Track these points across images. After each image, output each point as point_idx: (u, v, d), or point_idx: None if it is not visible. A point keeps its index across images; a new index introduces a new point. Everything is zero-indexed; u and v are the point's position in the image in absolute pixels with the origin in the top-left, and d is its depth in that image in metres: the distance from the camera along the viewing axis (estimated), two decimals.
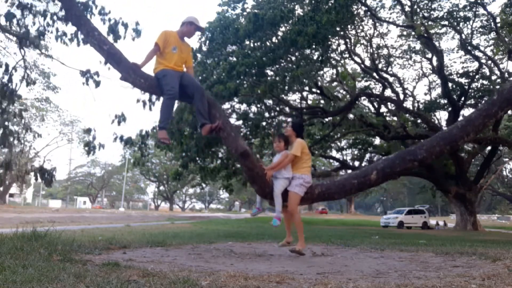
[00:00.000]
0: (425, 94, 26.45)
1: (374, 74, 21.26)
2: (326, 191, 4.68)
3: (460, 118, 22.18)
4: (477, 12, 18.25)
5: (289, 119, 5.48)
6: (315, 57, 15.60)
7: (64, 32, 6.73)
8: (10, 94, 6.99)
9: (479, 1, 17.46)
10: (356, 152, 28.66)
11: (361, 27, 19.44)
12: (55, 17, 6.55)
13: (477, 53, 20.05)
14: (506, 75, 20.20)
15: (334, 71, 20.46)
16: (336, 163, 27.90)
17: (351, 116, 19.96)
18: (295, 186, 4.56)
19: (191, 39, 4.87)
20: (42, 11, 6.65)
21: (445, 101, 22.35)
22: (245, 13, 14.72)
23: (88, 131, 6.78)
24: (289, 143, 4.85)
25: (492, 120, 4.70)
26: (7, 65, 7.06)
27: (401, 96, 22.25)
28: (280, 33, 14.13)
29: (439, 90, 22.87)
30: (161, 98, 4.65)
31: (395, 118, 21.89)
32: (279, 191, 4.55)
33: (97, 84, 6.30)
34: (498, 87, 19.90)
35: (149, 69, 4.75)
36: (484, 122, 4.58)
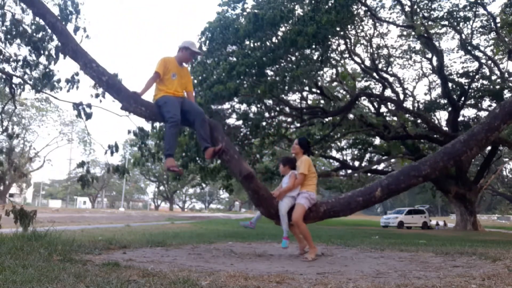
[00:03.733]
0: (425, 94, 26.51)
1: (374, 74, 21.25)
2: (331, 209, 4.67)
3: (460, 118, 22.23)
4: (477, 12, 18.23)
5: (296, 140, 5.26)
6: (315, 57, 15.60)
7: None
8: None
9: (479, 1, 17.44)
10: (356, 152, 28.61)
11: (361, 27, 19.42)
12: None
13: (477, 53, 20.04)
14: (506, 75, 20.19)
15: (334, 71, 20.44)
16: (336, 163, 27.87)
17: (351, 116, 19.93)
18: (300, 199, 4.54)
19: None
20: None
21: (445, 101, 22.33)
22: (245, 13, 14.71)
23: (81, 164, 6.70)
24: (295, 164, 4.77)
25: (495, 134, 4.68)
26: None
27: (401, 96, 22.23)
28: (280, 33, 14.12)
29: (439, 90, 22.87)
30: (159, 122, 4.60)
31: (395, 118, 21.87)
32: (285, 210, 4.51)
33: (88, 116, 6.16)
34: (498, 87, 19.92)
35: (149, 96, 4.73)
36: (487, 136, 4.58)
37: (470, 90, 21.45)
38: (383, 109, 22.53)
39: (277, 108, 19.18)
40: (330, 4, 13.38)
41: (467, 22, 18.77)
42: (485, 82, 21.43)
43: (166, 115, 4.37)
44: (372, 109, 22.62)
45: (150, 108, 4.61)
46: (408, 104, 23.02)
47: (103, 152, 6.37)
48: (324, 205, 4.72)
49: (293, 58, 15.42)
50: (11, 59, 6.74)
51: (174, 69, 4.58)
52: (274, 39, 14.07)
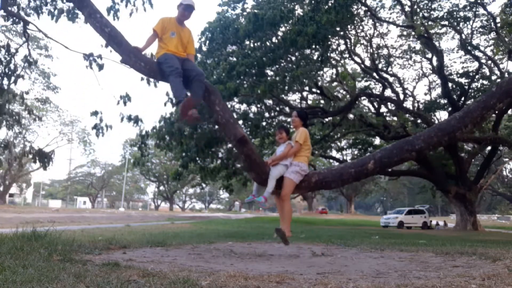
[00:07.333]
0: (425, 94, 26.46)
1: (374, 74, 21.25)
2: (323, 180, 4.65)
3: None
4: (477, 12, 18.24)
5: (295, 112, 5.35)
6: (315, 57, 15.60)
7: (63, 10, 6.76)
8: (12, 74, 7.07)
9: (479, 1, 17.45)
10: (356, 152, 28.62)
11: (361, 27, 19.43)
12: None
13: (477, 53, 20.04)
14: (506, 75, 20.18)
15: (334, 71, 20.45)
16: (336, 163, 27.89)
17: (351, 116, 19.94)
18: (291, 173, 4.54)
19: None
20: None
21: (445, 101, 22.33)
22: (245, 13, 14.71)
23: (95, 113, 6.73)
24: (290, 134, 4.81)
25: (491, 112, 4.66)
26: (8, 45, 7.11)
27: (401, 96, 22.23)
28: (280, 33, 14.13)
29: (439, 90, 22.86)
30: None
31: (395, 118, 21.87)
32: (276, 175, 4.53)
33: (100, 67, 6.32)
34: None
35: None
36: (482, 113, 4.56)
37: (470, 90, 21.45)
38: (383, 109, 22.55)
39: (277, 108, 19.18)
40: (330, 4, 13.38)
41: (467, 22, 18.78)
42: (485, 82, 21.41)
43: (168, 69, 4.44)
44: (372, 109, 22.63)
45: (150, 64, 4.67)
46: (408, 104, 23.04)
47: (115, 102, 6.41)
48: (316, 175, 4.71)
49: (293, 58, 15.42)
50: None
51: (173, 28, 4.65)
52: (274, 39, 14.07)
